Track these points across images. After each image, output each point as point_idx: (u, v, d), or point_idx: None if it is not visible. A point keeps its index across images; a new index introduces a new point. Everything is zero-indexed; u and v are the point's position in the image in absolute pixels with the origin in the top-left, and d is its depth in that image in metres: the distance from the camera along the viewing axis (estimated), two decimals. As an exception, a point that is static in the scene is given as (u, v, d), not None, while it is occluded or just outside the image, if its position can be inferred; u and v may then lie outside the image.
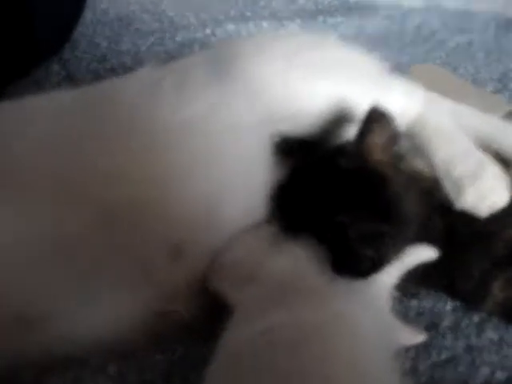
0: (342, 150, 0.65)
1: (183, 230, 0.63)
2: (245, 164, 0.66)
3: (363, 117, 0.63)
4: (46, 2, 1.05)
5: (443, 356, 0.63)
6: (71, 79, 1.09)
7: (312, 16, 1.29)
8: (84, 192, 0.61)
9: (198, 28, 1.25)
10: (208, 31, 1.23)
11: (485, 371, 0.62)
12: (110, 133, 0.65)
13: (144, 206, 0.61)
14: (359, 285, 0.59)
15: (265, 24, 1.25)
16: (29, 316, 0.59)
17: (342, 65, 0.74)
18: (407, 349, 0.62)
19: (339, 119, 0.70)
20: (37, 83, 1.04)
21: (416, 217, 0.64)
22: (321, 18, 1.28)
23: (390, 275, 0.62)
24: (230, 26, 1.24)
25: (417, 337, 0.63)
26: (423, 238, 0.64)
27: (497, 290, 0.66)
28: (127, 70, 1.07)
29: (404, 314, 0.66)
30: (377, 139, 0.62)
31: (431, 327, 0.66)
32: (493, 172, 0.68)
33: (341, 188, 0.62)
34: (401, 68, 0.93)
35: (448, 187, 0.68)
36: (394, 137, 0.64)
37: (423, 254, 0.64)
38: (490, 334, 0.65)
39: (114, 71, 1.10)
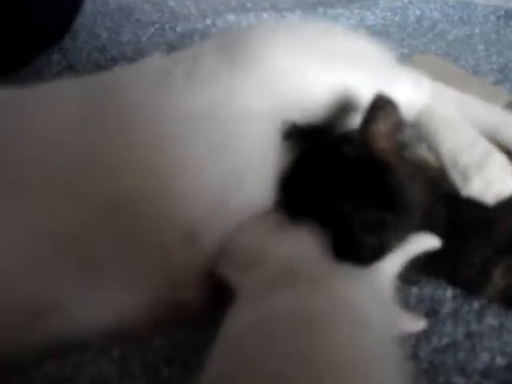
0: (347, 137, 0.65)
1: (196, 217, 0.63)
2: (255, 151, 0.66)
3: (368, 104, 0.63)
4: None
5: (443, 342, 0.63)
6: (72, 69, 1.09)
7: (312, 7, 1.30)
8: (95, 181, 0.61)
9: (199, 18, 1.25)
10: (208, 22, 1.23)
11: (485, 357, 0.62)
12: (120, 123, 0.65)
13: (157, 194, 0.61)
14: (362, 271, 0.59)
15: (265, 15, 1.25)
16: (33, 305, 0.59)
17: (352, 54, 0.74)
18: (408, 335, 0.63)
19: (347, 108, 0.70)
20: (37, 72, 1.05)
21: (420, 206, 0.64)
22: (321, 10, 1.28)
23: (393, 263, 0.62)
24: (231, 17, 1.24)
25: (417, 323, 0.63)
26: (426, 226, 0.64)
27: (498, 278, 0.66)
28: (128, 60, 1.08)
29: (405, 301, 0.66)
30: (381, 127, 0.62)
31: (432, 314, 0.66)
32: (499, 161, 0.68)
33: (345, 176, 0.61)
34: (401, 60, 0.93)
35: (454, 176, 0.68)
36: (399, 125, 0.63)
37: (426, 242, 0.64)
38: (490, 320, 0.66)
39: (114, 61, 1.11)
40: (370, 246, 0.60)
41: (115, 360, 0.61)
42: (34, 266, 0.58)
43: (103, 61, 1.11)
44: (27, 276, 0.58)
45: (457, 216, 0.67)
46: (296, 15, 1.25)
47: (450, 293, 0.68)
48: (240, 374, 0.48)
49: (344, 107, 0.68)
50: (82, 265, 0.60)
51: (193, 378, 0.50)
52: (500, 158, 0.69)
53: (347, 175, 0.61)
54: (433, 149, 0.72)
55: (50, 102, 0.68)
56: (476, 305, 0.67)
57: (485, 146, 0.70)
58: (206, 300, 0.63)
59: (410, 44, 1.19)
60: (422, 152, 0.74)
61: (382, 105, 0.63)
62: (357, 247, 0.60)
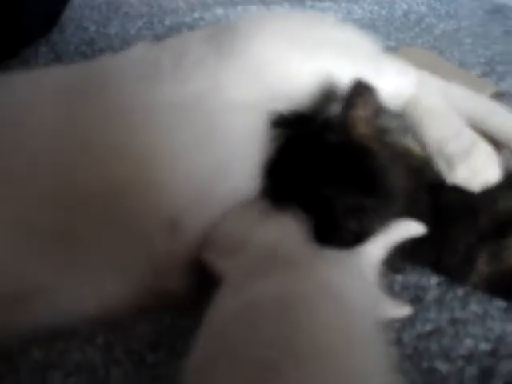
0: (330, 124, 0.66)
1: (180, 206, 0.63)
2: (241, 141, 0.66)
3: (347, 90, 0.64)
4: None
5: (428, 328, 0.64)
6: (60, 61, 1.08)
7: (300, 1, 1.30)
8: (80, 168, 0.61)
9: (187, 12, 1.25)
10: (196, 15, 1.24)
11: (469, 343, 0.63)
12: (106, 111, 0.65)
13: (141, 182, 0.62)
14: (346, 255, 0.60)
15: (253, 8, 1.26)
16: (16, 291, 0.59)
17: (339, 43, 0.75)
18: (392, 321, 0.63)
19: (332, 95, 0.70)
20: (25, 64, 1.04)
21: (402, 191, 0.64)
22: (309, 3, 1.29)
23: (377, 248, 0.62)
24: (219, 10, 1.25)
25: (402, 310, 0.64)
26: (411, 213, 0.65)
27: (482, 265, 0.66)
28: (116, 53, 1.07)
29: (390, 288, 0.66)
30: (361, 112, 0.63)
31: (416, 301, 0.67)
32: (484, 149, 0.69)
33: (327, 161, 0.62)
34: (388, 53, 0.93)
35: (440, 164, 0.69)
36: (378, 110, 0.64)
37: (411, 228, 0.64)
38: (474, 307, 0.66)
39: (102, 54, 1.09)
40: (352, 231, 0.60)
41: (100, 347, 0.61)
42: (16, 250, 0.58)
43: (91, 54, 1.11)
44: (7, 261, 0.58)
45: (441, 203, 0.68)
46: (284, 8, 1.26)
47: (434, 280, 0.69)
48: (224, 360, 0.48)
49: (329, 95, 0.68)
50: (66, 251, 0.60)
51: (178, 363, 0.50)
52: (485, 146, 0.69)
53: (329, 161, 0.62)
54: (418, 138, 0.73)
55: (35, 90, 0.67)
56: (460, 292, 0.68)
57: (470, 134, 0.71)
58: (191, 287, 0.63)
59: (397, 38, 1.19)
60: (408, 142, 0.75)
61: (360, 90, 0.63)
62: (338, 231, 0.60)
